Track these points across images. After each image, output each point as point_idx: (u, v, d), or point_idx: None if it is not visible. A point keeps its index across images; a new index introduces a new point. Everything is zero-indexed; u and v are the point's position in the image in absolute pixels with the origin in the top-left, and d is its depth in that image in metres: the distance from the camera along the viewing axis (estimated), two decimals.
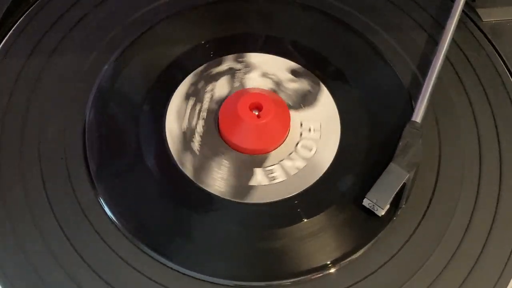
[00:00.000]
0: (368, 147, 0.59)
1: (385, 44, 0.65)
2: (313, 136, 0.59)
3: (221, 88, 0.61)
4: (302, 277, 0.52)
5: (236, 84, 0.61)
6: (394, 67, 0.63)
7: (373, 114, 0.60)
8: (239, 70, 0.62)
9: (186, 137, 0.58)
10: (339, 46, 0.64)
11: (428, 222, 0.55)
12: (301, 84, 0.62)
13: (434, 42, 0.64)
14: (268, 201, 0.56)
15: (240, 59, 0.63)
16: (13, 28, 0.62)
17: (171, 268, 0.52)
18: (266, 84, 0.61)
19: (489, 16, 0.67)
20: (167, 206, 0.55)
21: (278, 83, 0.62)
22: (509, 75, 0.64)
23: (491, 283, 0.53)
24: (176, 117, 0.59)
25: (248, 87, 0.61)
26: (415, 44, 0.65)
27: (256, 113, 0.57)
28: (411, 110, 0.59)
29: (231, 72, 0.62)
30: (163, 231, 0.54)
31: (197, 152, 0.57)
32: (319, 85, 0.62)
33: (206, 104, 0.60)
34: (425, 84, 0.60)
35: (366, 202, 0.54)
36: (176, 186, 0.56)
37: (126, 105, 0.59)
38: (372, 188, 0.54)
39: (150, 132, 0.58)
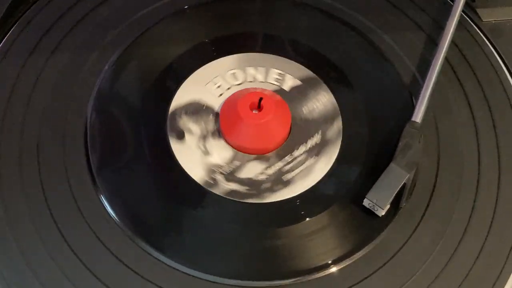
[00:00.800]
0: (368, 147, 0.59)
1: (385, 44, 0.65)
2: (314, 137, 0.59)
3: (222, 87, 0.61)
4: (302, 277, 0.52)
5: (237, 83, 0.61)
6: (394, 67, 0.63)
7: (373, 114, 0.60)
8: (240, 69, 0.62)
9: (187, 136, 0.58)
10: (339, 46, 0.64)
11: (428, 222, 0.55)
12: (301, 84, 0.62)
13: (434, 42, 0.64)
14: (269, 200, 0.56)
15: (242, 59, 0.63)
16: (13, 28, 0.62)
17: (173, 267, 0.52)
18: (266, 84, 0.61)
19: (489, 16, 0.67)
20: (168, 205, 0.55)
21: (278, 83, 0.62)
22: (508, 75, 0.64)
23: (490, 283, 0.53)
24: (177, 116, 0.59)
25: (249, 86, 0.61)
26: (415, 44, 0.65)
27: (256, 113, 0.57)
28: (411, 110, 0.59)
29: (233, 71, 0.62)
30: (164, 230, 0.54)
31: (198, 151, 0.57)
32: (319, 85, 0.62)
33: (207, 103, 0.60)
34: (425, 84, 0.60)
35: (366, 202, 0.54)
36: (178, 185, 0.56)
37: (127, 104, 0.59)
38: (372, 188, 0.54)
39: (151, 131, 0.58)
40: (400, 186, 0.54)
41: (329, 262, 0.53)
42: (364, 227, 0.55)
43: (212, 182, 0.56)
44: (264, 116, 0.57)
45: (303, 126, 0.60)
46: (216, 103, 0.60)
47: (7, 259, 0.51)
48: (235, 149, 0.58)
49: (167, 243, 0.53)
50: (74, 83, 0.60)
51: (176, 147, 0.57)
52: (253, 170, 0.57)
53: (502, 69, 0.64)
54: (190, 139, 0.58)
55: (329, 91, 0.61)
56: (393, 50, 0.64)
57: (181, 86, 0.60)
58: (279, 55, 0.63)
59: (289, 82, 0.62)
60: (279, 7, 0.66)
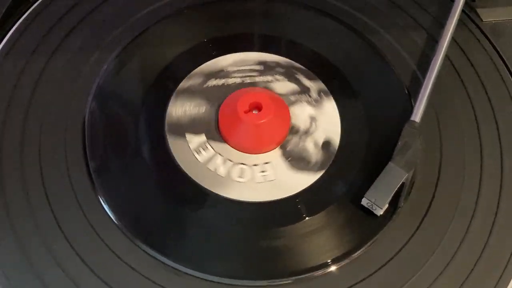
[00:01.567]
0: (367, 146, 0.59)
1: (385, 44, 0.65)
2: (313, 136, 0.59)
3: (222, 87, 0.61)
4: (301, 276, 0.52)
5: (237, 83, 0.61)
6: (394, 67, 0.63)
7: (373, 114, 0.60)
8: (241, 69, 0.62)
9: (186, 136, 0.58)
10: (339, 46, 0.64)
11: (428, 222, 0.55)
12: (301, 84, 0.62)
13: (434, 42, 0.64)
14: (268, 199, 0.56)
15: (242, 59, 0.63)
16: (14, 29, 0.62)
17: (172, 267, 0.52)
18: (267, 84, 0.61)
19: (489, 16, 0.67)
20: (167, 205, 0.55)
21: (278, 83, 0.62)
22: (509, 75, 0.64)
23: (491, 283, 0.53)
24: (176, 116, 0.59)
25: (249, 86, 0.61)
26: (415, 44, 0.65)
27: (256, 113, 0.57)
28: (411, 109, 0.59)
29: (233, 71, 0.62)
30: (163, 230, 0.54)
31: (197, 151, 0.57)
32: (319, 84, 0.62)
33: (206, 103, 0.60)
34: (424, 84, 0.60)
35: (364, 202, 0.54)
36: (176, 184, 0.56)
37: (126, 104, 0.59)
38: (371, 188, 0.54)
39: (150, 131, 0.58)
40: (398, 186, 0.54)
41: (328, 261, 0.53)
42: (363, 226, 0.55)
43: (211, 182, 0.56)
44: (264, 116, 0.57)
45: (303, 126, 0.60)
46: (215, 103, 0.60)
47: (8, 260, 0.51)
48: (235, 149, 0.58)
49: (167, 244, 0.53)
50: (74, 84, 0.60)
51: (175, 147, 0.57)
52: (252, 170, 0.57)
53: (503, 68, 0.64)
54: (190, 140, 0.58)
55: (328, 90, 0.61)
56: (393, 50, 0.64)
57: (180, 87, 0.60)
58: (279, 55, 0.63)
59: (289, 82, 0.62)
60: (279, 8, 0.66)
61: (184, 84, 0.61)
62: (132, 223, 0.53)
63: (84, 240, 0.52)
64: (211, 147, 0.58)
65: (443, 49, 0.62)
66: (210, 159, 0.57)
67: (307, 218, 0.55)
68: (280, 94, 0.61)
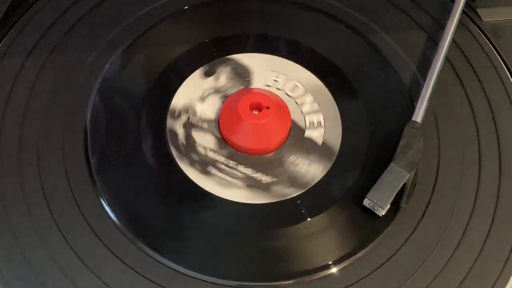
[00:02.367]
0: (369, 147, 0.59)
1: (385, 44, 0.65)
2: (314, 137, 0.59)
3: (223, 87, 0.61)
4: (303, 277, 0.52)
5: (237, 83, 0.61)
6: (395, 67, 0.63)
7: (374, 114, 0.60)
8: (240, 70, 0.62)
9: (187, 136, 0.58)
10: (339, 46, 0.64)
11: (428, 222, 0.55)
12: (301, 84, 0.62)
13: (434, 42, 0.64)
14: (269, 201, 0.56)
15: (242, 59, 0.63)
16: (13, 27, 0.62)
17: (172, 268, 0.52)
18: (267, 84, 0.61)
19: (489, 16, 0.67)
20: (168, 206, 0.55)
21: (278, 83, 0.62)
22: (509, 75, 0.64)
23: (490, 283, 0.53)
24: (177, 116, 0.59)
25: (250, 87, 0.61)
26: (415, 44, 0.65)
27: (256, 113, 0.57)
28: (412, 110, 0.59)
29: (232, 72, 0.62)
30: (163, 230, 0.54)
31: (199, 152, 0.57)
32: (319, 85, 0.62)
33: (207, 104, 0.60)
34: (425, 84, 0.60)
35: (366, 202, 0.54)
36: (177, 185, 0.56)
37: (127, 104, 0.59)
38: (373, 188, 0.54)
39: (151, 131, 0.58)
40: (400, 186, 0.54)
41: (330, 262, 0.53)
42: (365, 227, 0.55)
43: (211, 183, 0.56)
44: (264, 117, 0.57)
45: (303, 126, 0.60)
46: (216, 104, 0.60)
47: (7, 260, 0.51)
48: (235, 149, 0.58)
49: (166, 244, 0.53)
50: (74, 83, 0.60)
51: (176, 147, 0.57)
52: (253, 170, 0.57)
53: (503, 68, 0.64)
54: (190, 139, 0.58)
55: (329, 91, 0.61)
56: (394, 50, 0.64)
57: (181, 86, 0.60)
58: (279, 56, 0.63)
59: (289, 82, 0.62)
60: (279, 8, 0.66)
61: (185, 84, 0.61)
62: (132, 224, 0.53)
63: (83, 240, 0.52)
64: (212, 147, 0.58)
65: (444, 49, 0.62)
66: (210, 160, 0.57)
67: (308, 219, 0.55)
68: (281, 95, 0.61)
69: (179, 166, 0.56)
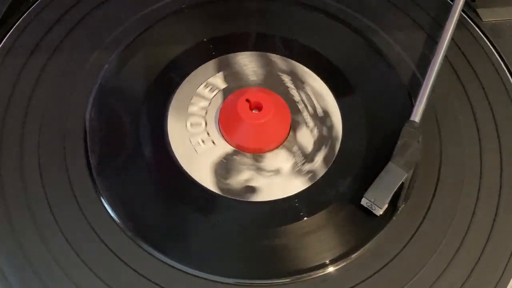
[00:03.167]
0: (368, 146, 0.59)
1: (385, 44, 0.65)
2: (313, 136, 0.59)
3: (222, 87, 0.61)
4: (301, 276, 0.52)
5: (237, 83, 0.61)
6: (394, 67, 0.63)
7: (373, 114, 0.60)
8: (240, 69, 0.62)
9: (187, 135, 0.58)
10: (339, 46, 0.64)
11: (429, 222, 0.55)
12: (301, 84, 0.62)
13: (433, 42, 0.64)
14: (267, 199, 0.56)
15: (242, 58, 0.63)
16: (14, 28, 0.62)
17: (171, 266, 0.52)
18: (267, 84, 0.61)
19: (489, 16, 0.67)
20: (167, 205, 0.55)
21: (279, 83, 0.62)
22: (509, 75, 0.64)
23: (492, 283, 0.53)
24: (178, 116, 0.59)
25: (250, 86, 0.61)
26: (415, 44, 0.65)
27: (256, 112, 0.57)
28: (411, 109, 0.59)
29: (232, 71, 0.62)
30: (164, 229, 0.54)
31: (198, 151, 0.57)
32: (319, 84, 0.62)
33: (207, 102, 0.60)
34: (424, 84, 0.60)
35: (364, 201, 0.54)
36: (177, 184, 0.56)
37: (127, 104, 0.59)
38: (370, 188, 0.54)
39: (151, 130, 0.58)
40: (398, 186, 0.54)
41: (327, 261, 0.53)
42: (363, 226, 0.55)
43: (212, 181, 0.56)
44: (264, 116, 0.57)
45: (303, 125, 0.60)
46: (216, 103, 0.60)
47: (9, 260, 0.51)
48: (235, 148, 0.58)
49: (167, 243, 0.53)
50: (74, 83, 0.60)
51: (176, 146, 0.57)
52: (252, 169, 0.57)
53: (503, 68, 0.64)
54: (190, 139, 0.58)
55: (328, 90, 0.61)
56: (393, 50, 0.64)
57: (181, 86, 0.60)
58: (279, 55, 0.63)
59: (289, 82, 0.62)
60: (278, 7, 0.66)
61: (184, 84, 0.61)
62: (134, 224, 0.53)
63: (84, 239, 0.52)
64: (212, 146, 0.58)
65: (443, 49, 0.62)
66: (211, 159, 0.57)
67: (306, 218, 0.55)
68: (281, 94, 0.61)
69: (179, 165, 0.56)
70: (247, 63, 0.63)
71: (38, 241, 0.52)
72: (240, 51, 0.63)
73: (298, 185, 0.56)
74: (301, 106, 0.61)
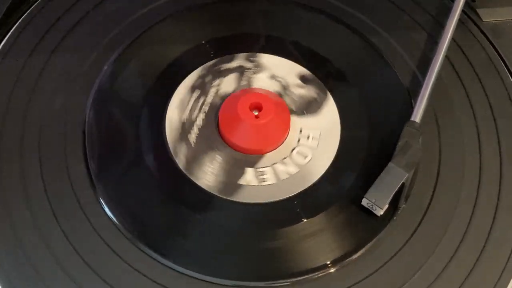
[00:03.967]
0: (367, 146, 0.59)
1: (385, 44, 0.65)
2: (313, 137, 0.59)
3: (222, 87, 0.61)
4: (301, 277, 0.52)
5: (237, 84, 0.61)
6: (394, 67, 0.63)
7: (373, 114, 0.60)
8: (240, 70, 0.62)
9: (186, 138, 0.58)
10: (339, 46, 0.64)
11: (428, 222, 0.55)
12: (301, 84, 0.62)
13: (434, 42, 0.64)
14: (268, 201, 0.56)
15: (242, 59, 0.63)
16: (13, 28, 0.62)
17: (171, 268, 0.52)
18: (266, 84, 0.61)
19: (489, 16, 0.67)
20: (167, 206, 0.55)
21: (278, 84, 0.62)
22: (509, 75, 0.64)
23: (491, 283, 0.53)
24: (177, 118, 0.59)
25: (251, 86, 0.61)
26: (415, 44, 0.65)
27: (256, 113, 0.57)
28: (411, 110, 0.59)
29: (232, 72, 0.62)
30: (163, 231, 0.54)
31: (198, 152, 0.57)
32: (319, 85, 0.62)
33: (207, 104, 0.60)
34: (424, 84, 0.60)
35: (365, 202, 0.54)
36: (177, 186, 0.56)
37: (126, 105, 0.59)
38: (371, 188, 0.54)
39: (150, 132, 0.58)
40: (399, 186, 0.54)
41: (328, 262, 0.53)
42: (363, 227, 0.55)
43: (211, 183, 0.56)
44: (264, 117, 0.57)
45: (303, 126, 0.60)
46: (215, 104, 0.60)
47: (9, 261, 0.51)
48: (235, 149, 0.58)
49: (166, 245, 0.53)
50: (74, 83, 0.60)
51: (175, 148, 0.57)
52: (252, 170, 0.57)
53: (503, 68, 0.64)
54: (190, 140, 0.58)
55: (328, 90, 0.61)
56: (394, 50, 0.64)
57: (180, 87, 0.60)
58: (279, 56, 0.63)
59: (289, 83, 0.62)
60: (279, 8, 0.66)
61: (184, 84, 0.61)
62: (133, 225, 0.53)
63: (85, 241, 0.52)
64: (211, 148, 0.58)
65: (443, 49, 0.62)
66: (210, 160, 0.57)
67: (307, 219, 0.55)
68: (280, 95, 0.61)
69: (179, 167, 0.56)
70: (247, 64, 0.63)
71: (39, 242, 0.52)
72: (239, 52, 0.63)
73: (298, 186, 0.56)
74: (301, 107, 0.61)
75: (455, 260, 0.54)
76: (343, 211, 0.55)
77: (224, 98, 0.60)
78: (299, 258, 0.53)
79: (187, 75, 0.61)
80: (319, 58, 0.63)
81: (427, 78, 0.60)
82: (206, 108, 0.60)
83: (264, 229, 0.55)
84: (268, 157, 0.58)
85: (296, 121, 0.60)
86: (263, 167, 0.57)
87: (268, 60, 0.63)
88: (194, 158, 0.57)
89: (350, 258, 0.53)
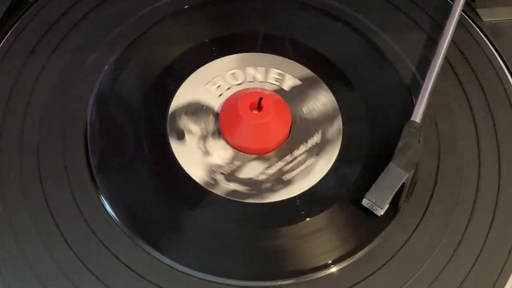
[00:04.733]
0: (368, 146, 0.59)
1: (385, 44, 0.65)
2: (314, 137, 0.59)
3: (222, 87, 0.61)
4: (302, 277, 0.52)
5: (237, 83, 0.61)
6: (394, 67, 0.63)
7: (373, 114, 0.60)
8: (240, 69, 0.62)
9: (187, 136, 0.58)
10: (339, 46, 0.64)
11: (428, 222, 0.55)
12: (301, 84, 0.62)
13: (434, 42, 0.64)
14: (269, 200, 0.56)
15: (242, 59, 0.63)
16: (13, 28, 0.62)
17: (172, 267, 0.52)
18: (266, 84, 0.62)
19: (489, 16, 0.67)
20: (168, 205, 0.55)
21: (278, 83, 0.62)
22: (508, 75, 0.64)
23: (490, 282, 0.53)
24: (177, 116, 0.59)
25: (249, 86, 0.61)
26: (415, 44, 0.65)
27: (256, 113, 0.57)
28: (411, 110, 0.59)
29: (232, 71, 0.62)
30: (164, 230, 0.54)
31: (198, 151, 0.57)
32: (319, 84, 0.62)
33: (207, 103, 0.60)
34: (424, 84, 0.60)
35: (365, 202, 0.54)
36: (178, 185, 0.56)
37: (127, 104, 0.59)
38: (371, 188, 0.54)
39: (151, 131, 0.58)
40: (399, 186, 0.54)
41: (329, 262, 0.53)
42: (364, 227, 0.55)
43: (212, 182, 0.56)
44: (264, 116, 0.57)
45: (303, 126, 0.60)
46: (216, 103, 0.60)
47: (7, 259, 0.51)
48: (235, 149, 0.58)
49: (167, 243, 0.53)
50: (74, 83, 0.60)
51: (176, 147, 0.57)
52: (253, 170, 0.57)
53: (502, 68, 0.64)
54: (190, 139, 0.58)
55: (329, 90, 0.61)
56: (393, 50, 0.64)
57: (181, 86, 0.60)
58: (279, 55, 0.63)
59: (289, 82, 0.62)
60: (278, 7, 0.66)
61: (185, 84, 0.61)
62: (133, 223, 0.53)
63: (84, 239, 0.52)
64: (212, 147, 0.58)
65: (443, 49, 0.62)
66: (212, 159, 0.57)
67: (308, 218, 0.55)
68: (281, 94, 0.61)
69: (179, 165, 0.56)
70: (247, 63, 0.63)
71: (37, 241, 0.52)
72: (240, 52, 0.63)
73: (299, 185, 0.56)
74: (301, 106, 0.61)
75: (455, 259, 0.54)
76: (344, 211, 0.55)
77: (224, 97, 0.60)
78: (300, 257, 0.53)
79: (189, 74, 0.61)
80: (319, 58, 0.63)
81: (427, 78, 0.60)
82: (207, 107, 0.60)
83: (265, 228, 0.55)
84: (269, 157, 0.58)
85: (296, 121, 0.60)
86: (264, 167, 0.57)
87: (268, 59, 0.63)
88: (195, 157, 0.57)
89: (351, 257, 0.53)
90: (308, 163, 0.58)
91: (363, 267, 0.53)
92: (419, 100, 0.59)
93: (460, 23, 0.65)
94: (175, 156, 0.57)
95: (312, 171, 0.57)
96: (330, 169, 0.57)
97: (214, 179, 0.56)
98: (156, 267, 0.52)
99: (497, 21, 0.67)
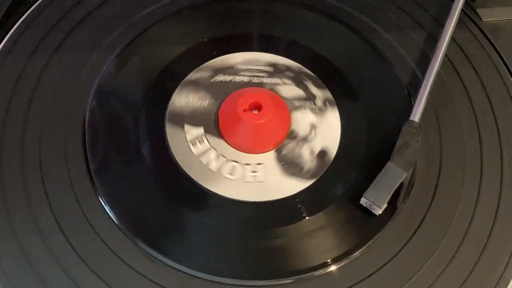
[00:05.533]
0: (367, 145, 0.59)
1: (385, 44, 0.65)
2: (314, 136, 0.59)
3: (221, 87, 0.61)
4: (301, 276, 0.52)
5: (237, 83, 0.61)
6: (394, 67, 0.63)
7: (372, 114, 0.60)
8: (240, 70, 0.62)
9: (187, 136, 0.58)
10: (339, 46, 0.64)
11: (429, 222, 0.55)
12: (301, 84, 0.62)
13: (433, 42, 0.64)
14: (268, 199, 0.56)
15: (241, 59, 0.63)
16: (14, 29, 0.62)
17: (171, 267, 0.52)
18: (266, 84, 0.62)
19: (489, 16, 0.67)
20: (167, 205, 0.55)
21: (278, 83, 0.62)
22: (509, 74, 0.64)
23: (491, 283, 0.53)
24: (176, 116, 0.59)
25: (248, 86, 0.61)
26: (415, 44, 0.65)
27: (256, 113, 0.57)
28: (411, 109, 0.59)
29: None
30: (164, 230, 0.54)
31: (197, 151, 0.57)
32: (318, 84, 0.62)
33: (206, 103, 0.60)
34: (423, 84, 0.60)
35: (363, 201, 0.54)
36: (177, 184, 0.56)
37: (126, 104, 0.60)
38: (370, 187, 0.54)
39: (150, 131, 0.58)
40: (397, 185, 0.54)
41: (328, 261, 0.53)
42: (362, 226, 0.55)
43: (211, 182, 0.56)
44: (264, 116, 0.57)
45: (302, 125, 0.60)
46: (215, 103, 0.60)
47: (8, 259, 0.51)
48: (235, 148, 0.58)
49: (166, 243, 0.53)
50: (74, 83, 0.60)
51: (175, 147, 0.57)
52: (252, 169, 0.57)
53: (503, 68, 0.64)
54: (189, 139, 0.58)
55: (328, 90, 0.61)
56: (393, 50, 0.64)
57: (180, 86, 0.61)
58: (279, 55, 0.63)
59: (289, 82, 0.62)
60: (278, 7, 0.66)
61: (184, 84, 0.61)
62: (134, 225, 0.53)
63: (84, 239, 0.52)
64: (211, 147, 0.58)
65: (443, 49, 0.62)
66: (210, 159, 0.57)
67: (306, 218, 0.55)
68: (280, 94, 0.61)
69: (178, 165, 0.57)
70: (247, 63, 0.63)
71: (38, 240, 0.52)
72: (240, 52, 0.63)
73: (297, 185, 0.56)
74: (300, 106, 0.61)
75: (455, 260, 0.54)
76: (342, 210, 0.55)
77: (223, 97, 0.60)
78: (299, 256, 0.53)
79: (188, 74, 0.61)
80: (319, 58, 0.63)
81: (426, 77, 0.60)
82: (206, 107, 0.60)
83: (264, 227, 0.55)
84: (269, 156, 0.58)
85: (295, 120, 0.60)
86: (264, 166, 0.57)
87: (268, 59, 0.63)
88: (195, 157, 0.57)
89: (349, 257, 0.53)
90: (307, 162, 0.58)
91: (362, 266, 0.53)
92: (418, 100, 0.59)
93: (460, 22, 0.65)
94: (174, 156, 0.57)
95: (311, 170, 0.57)
96: (329, 168, 0.57)
97: (213, 179, 0.56)
98: (156, 266, 0.52)
99: (496, 21, 0.67)
